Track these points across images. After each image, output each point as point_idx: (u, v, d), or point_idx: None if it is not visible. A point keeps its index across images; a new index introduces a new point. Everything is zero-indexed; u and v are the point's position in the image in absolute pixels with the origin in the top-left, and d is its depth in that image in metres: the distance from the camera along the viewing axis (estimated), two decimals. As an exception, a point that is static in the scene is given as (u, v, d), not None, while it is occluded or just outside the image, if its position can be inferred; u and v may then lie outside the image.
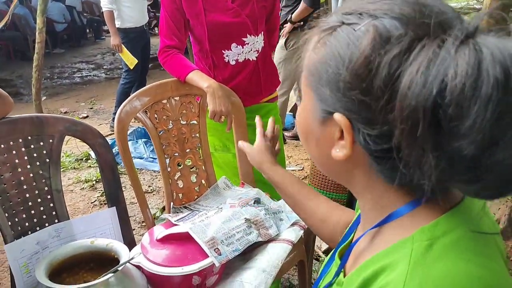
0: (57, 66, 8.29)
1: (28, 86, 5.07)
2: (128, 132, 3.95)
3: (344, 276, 0.63)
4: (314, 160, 0.63)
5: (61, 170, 3.40)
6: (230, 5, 1.68)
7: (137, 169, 3.52)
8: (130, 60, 4.22)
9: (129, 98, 1.54)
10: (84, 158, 3.79)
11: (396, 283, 0.48)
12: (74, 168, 3.64)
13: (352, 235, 0.71)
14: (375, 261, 0.54)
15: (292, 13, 3.45)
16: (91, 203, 3.09)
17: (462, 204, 0.54)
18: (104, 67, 8.19)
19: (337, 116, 0.52)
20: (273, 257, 1.37)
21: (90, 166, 3.67)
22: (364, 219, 0.64)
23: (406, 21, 0.48)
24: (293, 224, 1.49)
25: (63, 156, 3.73)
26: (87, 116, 5.16)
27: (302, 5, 3.37)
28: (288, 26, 3.48)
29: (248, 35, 1.72)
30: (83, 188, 3.30)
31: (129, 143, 3.84)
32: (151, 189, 3.24)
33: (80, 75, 7.68)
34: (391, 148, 0.49)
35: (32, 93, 4.73)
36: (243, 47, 1.73)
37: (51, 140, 1.33)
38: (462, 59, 0.43)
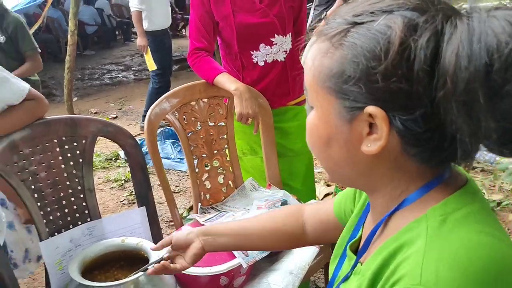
0: (87, 67, 8.49)
1: (60, 87, 5.22)
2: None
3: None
4: (334, 165, 0.62)
5: (92, 169, 3.42)
6: (258, 5, 1.69)
7: (166, 169, 3.57)
8: (150, 62, 4.28)
9: (158, 100, 1.57)
10: (113, 158, 3.87)
11: (416, 256, 0.51)
12: (103, 167, 3.72)
13: (361, 230, 0.72)
14: (391, 243, 0.57)
15: (326, 11, 3.43)
16: (120, 202, 3.15)
17: (467, 186, 0.59)
18: (133, 68, 8.33)
19: (371, 108, 0.53)
20: (300, 259, 1.38)
21: (119, 166, 3.74)
22: (376, 211, 0.66)
23: (423, 11, 0.52)
24: (320, 227, 1.48)
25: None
26: (116, 117, 5.27)
27: (338, 1, 3.34)
28: (322, 23, 3.46)
29: (276, 35, 1.73)
30: (112, 187, 3.37)
31: (157, 143, 3.93)
32: (178, 189, 3.28)
33: (109, 76, 7.84)
34: (434, 128, 0.52)
35: (64, 94, 4.87)
36: (271, 48, 1.74)
37: (84, 141, 1.37)
38: (498, 28, 0.47)
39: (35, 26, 6.28)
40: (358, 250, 0.68)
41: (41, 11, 7.36)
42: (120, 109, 5.66)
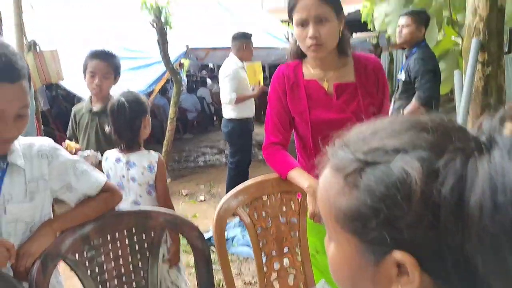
0: (185, 149, 9.03)
1: (159, 168, 5.55)
2: (239, 219, 4.04)
3: None
4: None
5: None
6: (335, 102, 1.67)
7: (244, 258, 3.51)
8: (258, 70, 4.44)
9: (228, 194, 1.56)
10: (196, 242, 3.89)
11: None
12: (185, 251, 3.75)
13: None
14: None
15: (403, 109, 3.27)
16: (196, 289, 3.10)
17: None
18: (226, 152, 8.69)
19: (398, 255, 0.49)
20: None
21: (200, 250, 3.75)
22: None
23: (440, 151, 0.48)
24: None
25: (177, 239, 3.89)
26: (204, 200, 5.40)
27: (413, 103, 3.15)
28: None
29: None
30: (190, 273, 3.36)
31: (238, 230, 3.92)
32: (254, 281, 3.17)
33: (203, 159, 8.23)
34: (467, 272, 0.47)
35: (159, 176, 5.17)
36: None
37: (152, 233, 1.38)
38: None
39: (142, 113, 6.94)
40: None
41: (149, 98, 8.17)
42: (209, 191, 5.82)
